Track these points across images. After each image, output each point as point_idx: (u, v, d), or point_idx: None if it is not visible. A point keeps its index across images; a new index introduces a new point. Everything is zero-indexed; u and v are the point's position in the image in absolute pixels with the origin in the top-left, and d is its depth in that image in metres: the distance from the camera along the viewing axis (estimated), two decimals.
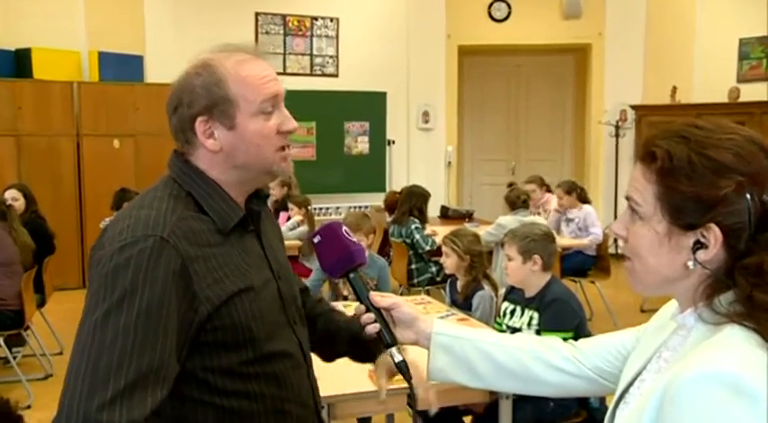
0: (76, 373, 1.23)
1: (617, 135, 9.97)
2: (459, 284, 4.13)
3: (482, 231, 5.92)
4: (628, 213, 1.22)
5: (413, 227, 6.36)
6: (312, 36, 9.73)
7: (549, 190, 7.66)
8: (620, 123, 9.98)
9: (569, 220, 6.95)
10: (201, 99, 1.45)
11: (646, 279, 1.21)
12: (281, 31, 9.58)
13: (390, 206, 7.52)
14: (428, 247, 6.29)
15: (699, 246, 1.13)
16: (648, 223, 1.17)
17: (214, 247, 1.42)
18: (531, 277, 3.39)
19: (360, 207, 9.19)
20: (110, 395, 1.21)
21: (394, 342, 1.51)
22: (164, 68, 8.58)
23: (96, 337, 1.25)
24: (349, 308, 4.04)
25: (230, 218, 1.47)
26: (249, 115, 1.46)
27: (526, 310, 3.41)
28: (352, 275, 1.54)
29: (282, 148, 1.51)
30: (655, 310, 1.42)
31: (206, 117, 1.46)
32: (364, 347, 1.75)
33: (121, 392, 1.22)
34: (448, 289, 4.31)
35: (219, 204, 1.47)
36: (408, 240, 6.36)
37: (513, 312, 3.49)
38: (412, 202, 6.52)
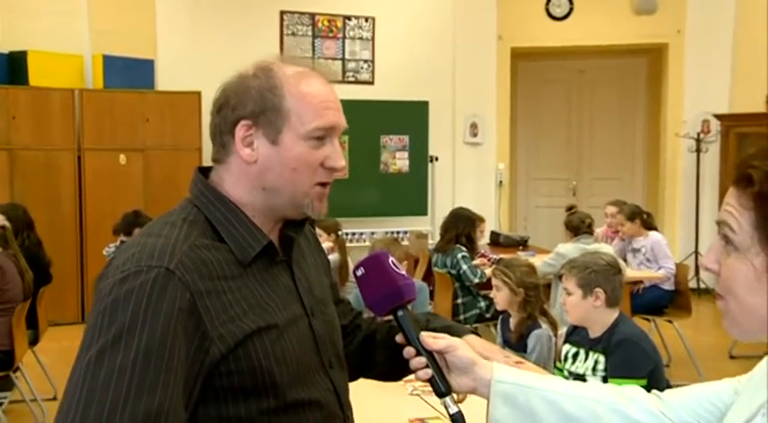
0: (64, 421, 1.22)
1: (698, 150, 9.85)
2: (513, 322, 4.11)
3: (538, 261, 5.86)
4: (720, 244, 1.19)
5: (459, 256, 6.32)
6: (344, 38, 9.81)
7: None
8: (701, 136, 9.86)
9: (636, 251, 6.91)
10: (251, 102, 1.49)
11: (742, 321, 1.18)
12: (310, 33, 9.67)
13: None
14: (477, 280, 6.25)
15: None
16: (745, 256, 1.15)
17: (231, 279, 1.43)
18: (594, 314, 3.36)
19: (398, 232, 9.19)
20: None
21: (448, 391, 1.49)
22: (177, 74, 8.72)
23: (88, 379, 1.24)
24: None
25: (250, 246, 1.48)
26: (297, 136, 1.49)
27: (591, 353, 3.38)
28: (400, 313, 1.53)
29: (322, 185, 1.53)
30: (746, 357, 1.38)
31: (250, 122, 1.49)
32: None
33: None
34: (499, 327, 4.30)
35: (239, 231, 1.48)
36: (454, 271, 6.32)
37: (575, 356, 3.46)
38: (458, 228, 6.49)
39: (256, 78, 1.50)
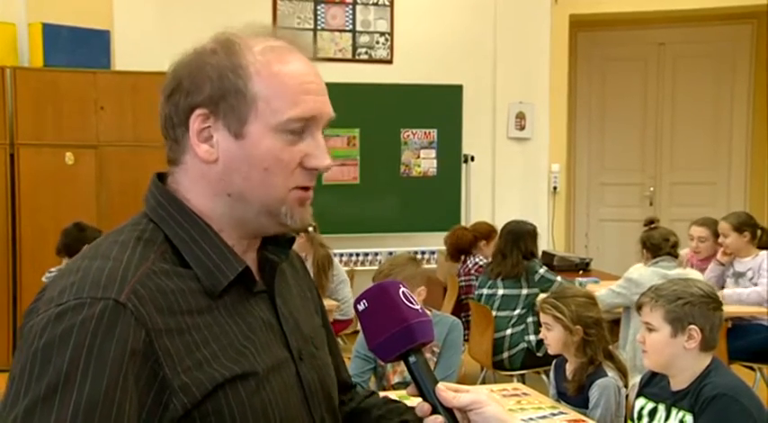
0: None
1: None
2: (569, 368, 4.10)
3: (602, 290, 5.85)
4: None
5: (542, 271, 6.63)
6: (355, 3, 9.85)
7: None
8: None
9: (739, 275, 6.77)
10: (207, 85, 1.48)
11: None
12: None
13: (458, 249, 7.52)
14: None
15: None
16: None
17: (197, 314, 1.43)
18: (683, 359, 3.33)
19: (423, 252, 9.19)
20: None
21: None
22: (140, 49, 8.73)
23: None
24: (405, 400, 4.03)
25: (221, 273, 1.48)
26: (267, 127, 1.48)
27: (673, 411, 3.35)
28: (412, 359, 1.52)
29: (303, 189, 1.53)
30: None
31: (207, 111, 1.49)
32: None
33: None
34: (552, 375, 4.30)
35: (207, 252, 1.48)
36: (534, 291, 6.47)
37: (653, 413, 3.44)
38: (521, 247, 6.61)
39: (214, 55, 1.49)
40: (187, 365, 1.37)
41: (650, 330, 3.38)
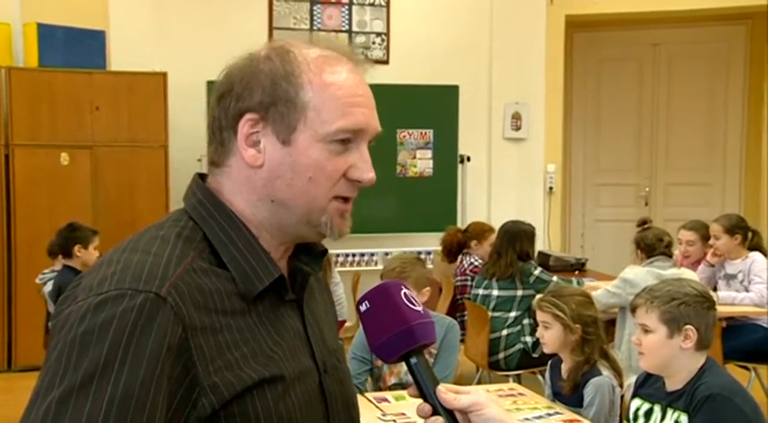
0: None
1: None
2: (565, 368, 4.10)
3: (598, 290, 5.85)
4: None
5: (537, 272, 6.58)
6: (351, 3, 9.85)
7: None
8: None
9: (730, 277, 6.78)
10: (259, 91, 1.49)
11: None
12: None
13: (451, 250, 7.52)
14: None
15: None
16: None
17: (231, 316, 1.43)
18: (680, 359, 3.33)
19: (419, 253, 9.19)
20: None
21: None
22: (136, 50, 8.73)
23: None
24: (401, 402, 4.04)
25: (258, 278, 1.48)
26: (315, 137, 1.49)
27: (669, 411, 3.34)
28: (413, 361, 1.52)
29: (344, 200, 1.54)
30: None
31: (257, 116, 1.50)
32: None
33: None
34: (548, 375, 4.29)
35: (245, 256, 1.49)
36: (529, 292, 6.46)
37: (648, 414, 3.43)
38: (516, 248, 6.58)
39: (269, 61, 1.50)
40: (218, 365, 1.38)
41: (646, 332, 3.37)
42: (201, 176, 1.58)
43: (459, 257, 7.53)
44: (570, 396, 3.98)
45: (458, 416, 1.50)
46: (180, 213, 1.54)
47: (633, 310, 3.53)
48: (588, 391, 3.90)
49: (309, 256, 1.61)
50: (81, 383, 1.26)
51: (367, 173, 1.55)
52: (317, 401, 1.54)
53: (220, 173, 1.54)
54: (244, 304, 1.46)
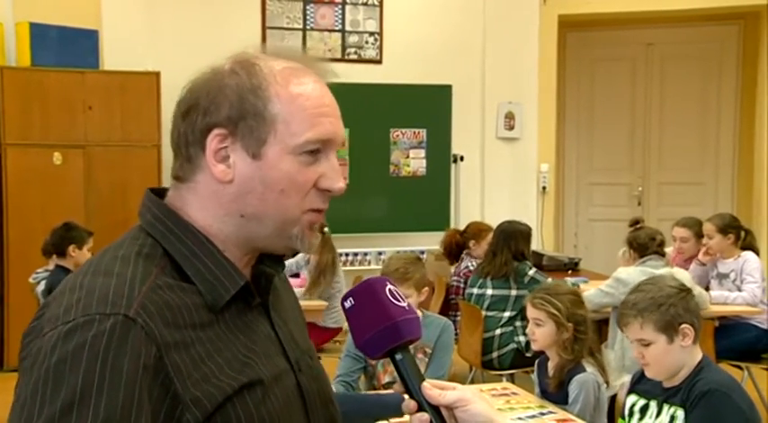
0: None
1: None
2: (551, 365, 4.10)
3: (591, 289, 5.86)
4: None
5: (532, 273, 6.57)
6: (344, 3, 9.84)
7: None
8: None
9: (723, 277, 6.78)
10: (226, 106, 1.48)
11: None
12: None
13: (451, 252, 7.52)
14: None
15: None
16: None
17: (201, 328, 1.43)
18: (682, 358, 3.33)
19: (412, 252, 9.18)
20: None
21: None
22: (129, 49, 8.73)
23: None
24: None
25: (224, 287, 1.48)
26: (285, 149, 1.49)
27: (665, 407, 3.34)
28: (398, 357, 1.53)
29: (316, 212, 1.54)
30: None
31: (225, 131, 1.49)
32: None
33: None
34: (536, 373, 4.29)
35: (209, 268, 1.48)
36: (522, 292, 6.45)
37: (644, 410, 3.43)
38: (512, 247, 6.59)
39: (234, 75, 1.50)
40: (195, 379, 1.37)
41: (645, 345, 3.35)
42: (154, 190, 1.57)
43: (461, 258, 7.56)
44: (556, 393, 3.98)
45: (443, 412, 1.50)
46: (137, 231, 1.52)
47: (622, 327, 3.53)
48: (573, 388, 3.90)
49: (271, 258, 1.61)
50: (61, 413, 1.25)
51: (337, 182, 1.53)
52: (295, 401, 1.54)
53: (186, 188, 1.53)
54: (212, 315, 1.45)
